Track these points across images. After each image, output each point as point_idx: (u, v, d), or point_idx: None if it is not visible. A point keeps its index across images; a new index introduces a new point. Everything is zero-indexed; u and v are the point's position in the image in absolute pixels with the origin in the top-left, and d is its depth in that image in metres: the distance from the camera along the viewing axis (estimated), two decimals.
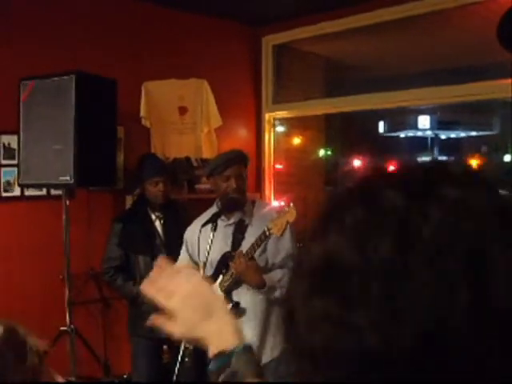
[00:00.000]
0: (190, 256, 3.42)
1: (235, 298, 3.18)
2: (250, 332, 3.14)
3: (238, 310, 3.16)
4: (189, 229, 3.42)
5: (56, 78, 3.49)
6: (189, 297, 0.99)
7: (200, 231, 3.23)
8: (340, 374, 0.57)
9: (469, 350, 0.53)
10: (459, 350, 0.53)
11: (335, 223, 0.61)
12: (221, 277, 3.20)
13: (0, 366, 0.82)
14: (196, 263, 3.37)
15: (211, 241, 2.99)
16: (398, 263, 0.54)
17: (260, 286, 3.01)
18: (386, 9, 4.56)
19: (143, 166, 3.95)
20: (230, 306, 3.15)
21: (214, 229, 3.02)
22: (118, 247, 3.81)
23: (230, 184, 3.14)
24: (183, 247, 3.45)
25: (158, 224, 3.87)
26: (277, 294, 3.05)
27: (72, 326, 3.62)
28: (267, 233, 2.89)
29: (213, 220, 3.08)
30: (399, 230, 0.56)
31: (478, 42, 4.55)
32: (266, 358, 3.18)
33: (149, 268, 3.73)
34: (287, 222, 2.82)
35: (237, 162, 3.21)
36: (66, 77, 3.46)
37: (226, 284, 3.16)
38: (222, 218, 3.20)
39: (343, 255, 0.57)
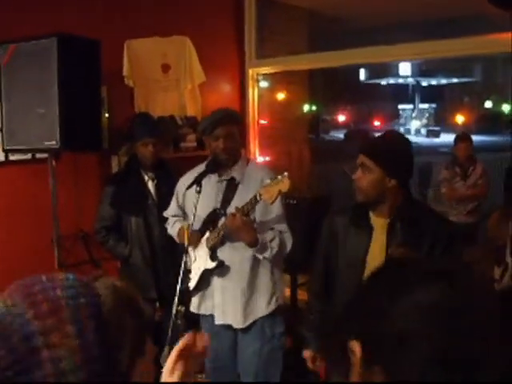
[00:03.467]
0: (180, 207, 3.44)
1: (220, 256, 3.19)
2: (238, 292, 3.18)
3: (222, 269, 3.18)
4: (181, 180, 3.40)
5: (37, 41, 3.38)
6: None
7: (184, 193, 3.25)
8: None
9: None
10: None
11: None
12: (207, 233, 3.20)
13: (118, 328, 0.82)
14: (185, 213, 3.39)
15: (197, 200, 2.99)
16: None
17: (253, 244, 3.01)
18: None
19: (134, 126, 3.83)
20: (215, 264, 3.17)
21: (199, 191, 3.01)
22: (111, 207, 3.78)
23: (218, 144, 3.13)
24: (174, 198, 3.45)
25: (150, 185, 3.81)
26: (267, 254, 3.06)
27: None
28: (258, 198, 2.87)
29: (197, 181, 3.06)
30: None
31: None
32: (252, 317, 3.22)
33: (140, 229, 3.75)
34: (279, 192, 2.78)
35: (225, 122, 3.15)
36: (47, 39, 3.34)
37: (212, 241, 3.17)
38: (214, 174, 3.19)
39: None
